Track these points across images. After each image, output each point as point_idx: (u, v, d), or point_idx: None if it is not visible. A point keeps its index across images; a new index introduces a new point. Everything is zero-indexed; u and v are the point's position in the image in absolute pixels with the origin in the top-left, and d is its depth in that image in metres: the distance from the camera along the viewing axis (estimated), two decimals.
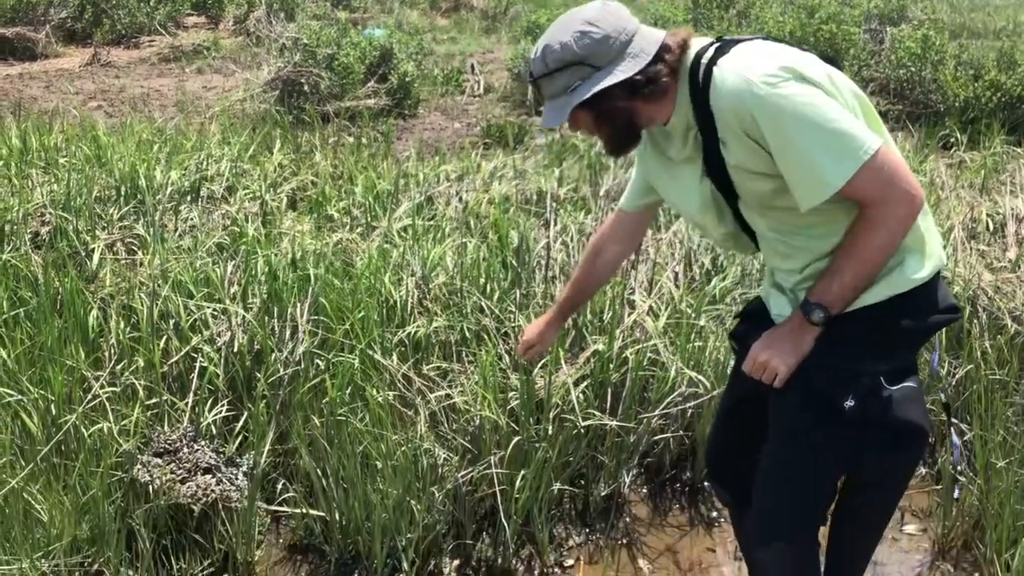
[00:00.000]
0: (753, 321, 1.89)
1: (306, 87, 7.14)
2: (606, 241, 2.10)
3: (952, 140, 5.94)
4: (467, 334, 3.09)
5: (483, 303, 3.20)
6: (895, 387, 1.70)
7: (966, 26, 10.90)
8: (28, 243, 3.64)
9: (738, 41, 1.63)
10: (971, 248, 3.73)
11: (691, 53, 1.66)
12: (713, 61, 1.60)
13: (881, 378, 1.69)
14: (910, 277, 1.68)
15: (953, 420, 2.79)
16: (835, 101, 1.56)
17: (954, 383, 3.01)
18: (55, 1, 11.32)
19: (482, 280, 3.36)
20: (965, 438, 2.90)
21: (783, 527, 1.79)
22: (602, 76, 1.62)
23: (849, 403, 1.66)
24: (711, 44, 1.65)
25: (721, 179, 1.70)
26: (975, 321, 3.20)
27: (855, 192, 1.56)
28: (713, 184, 1.73)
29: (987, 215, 4.11)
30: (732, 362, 2.13)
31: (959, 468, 2.84)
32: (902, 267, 1.68)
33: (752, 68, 1.55)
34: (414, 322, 3.14)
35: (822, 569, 1.92)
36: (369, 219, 4.22)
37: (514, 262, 3.52)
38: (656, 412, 2.78)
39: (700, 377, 2.82)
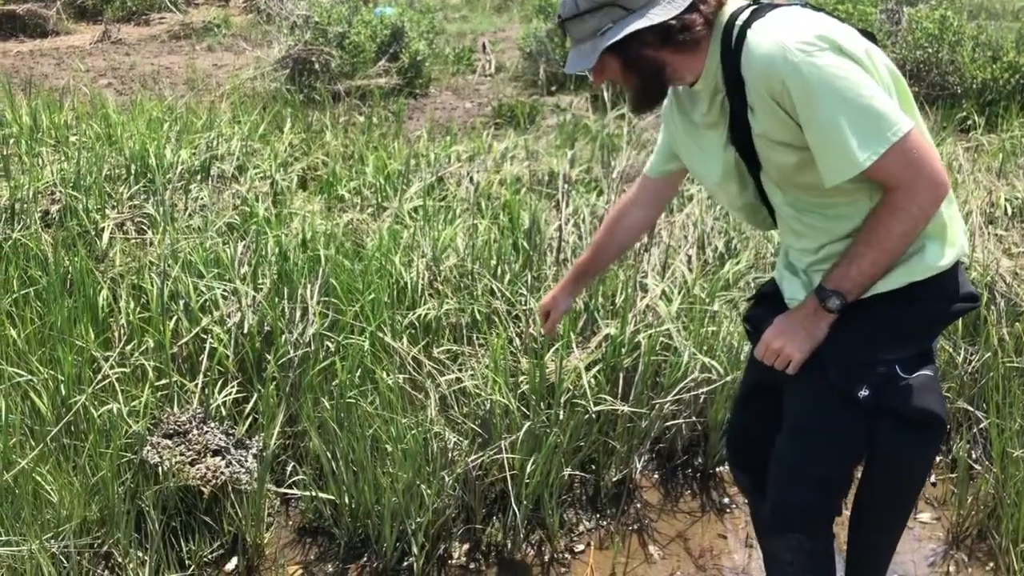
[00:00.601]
0: (767, 304, 1.86)
1: (317, 66, 7.09)
2: (629, 205, 2.06)
3: (970, 123, 5.86)
4: (478, 317, 3.07)
5: (494, 285, 3.17)
6: (911, 376, 1.66)
7: (984, 7, 10.74)
8: (38, 222, 3.62)
9: (775, 6, 1.58)
10: (989, 233, 3.68)
11: (726, 12, 1.61)
12: (748, 24, 1.55)
13: (897, 367, 1.66)
14: (930, 264, 1.64)
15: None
16: (870, 77, 1.51)
17: (970, 371, 2.97)
18: None
19: (493, 262, 3.33)
20: (981, 426, 2.87)
21: (797, 517, 1.77)
22: (634, 19, 1.57)
23: (864, 393, 1.64)
24: (747, 6, 1.60)
25: (746, 147, 1.65)
26: (992, 308, 3.16)
27: (880, 173, 1.52)
28: (737, 152, 1.68)
29: (1005, 200, 4.05)
30: (747, 347, 2.11)
31: (975, 456, 2.82)
32: (922, 254, 1.64)
33: (788, 34, 1.50)
34: (424, 304, 3.12)
35: (843, 566, 1.90)
36: (380, 199, 4.19)
37: (525, 244, 3.49)
38: (668, 398, 2.76)
39: (713, 363, 2.79)
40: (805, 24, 1.51)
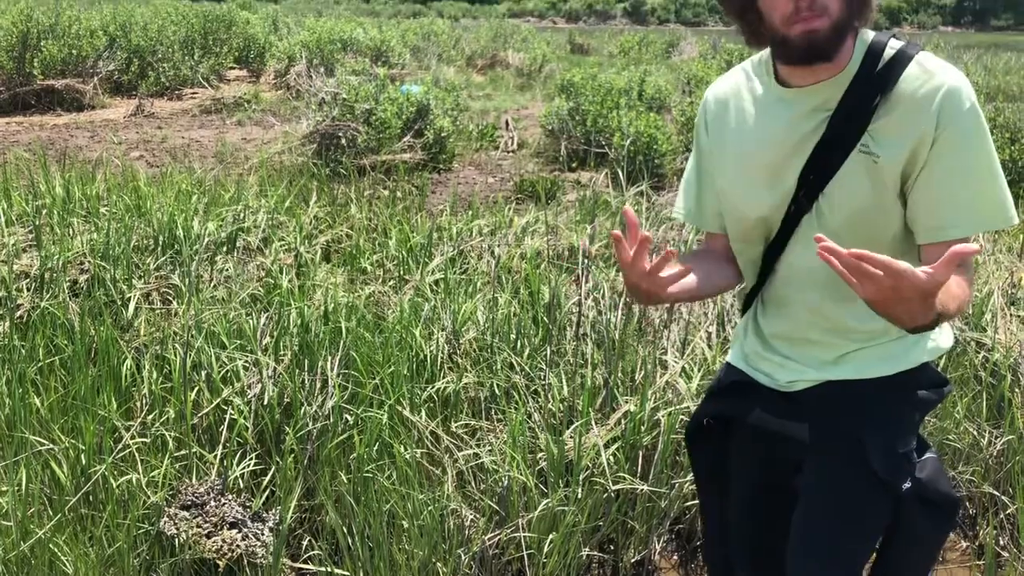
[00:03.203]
0: (738, 394, 1.78)
1: (343, 141, 7.26)
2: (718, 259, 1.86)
3: None
4: (496, 391, 3.07)
5: (513, 360, 3.18)
6: (922, 459, 1.67)
7: (1001, 89, 10.88)
8: (66, 291, 3.69)
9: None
10: (1011, 314, 3.66)
11: (862, 32, 1.57)
12: (909, 51, 1.53)
13: (914, 452, 1.66)
14: (942, 347, 1.67)
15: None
16: None
17: (995, 454, 2.92)
18: (103, 54, 11.68)
19: (512, 336, 3.35)
20: (1008, 512, 2.81)
21: None
22: None
23: (907, 485, 1.62)
24: (890, 35, 1.58)
25: (818, 178, 1.57)
26: (1016, 390, 3.13)
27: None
28: (800, 181, 1.59)
29: None
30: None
31: (1003, 543, 2.75)
32: (939, 335, 1.66)
33: (966, 80, 1.51)
34: (444, 377, 3.12)
35: None
36: (402, 272, 4.24)
37: (545, 318, 3.51)
38: (688, 478, 2.73)
39: None
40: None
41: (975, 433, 2.96)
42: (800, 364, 1.70)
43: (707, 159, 1.78)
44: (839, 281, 1.59)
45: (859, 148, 1.53)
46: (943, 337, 1.66)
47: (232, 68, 14.35)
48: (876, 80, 1.52)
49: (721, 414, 1.84)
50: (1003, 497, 2.83)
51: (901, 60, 1.52)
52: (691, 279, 1.67)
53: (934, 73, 1.50)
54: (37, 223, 4.23)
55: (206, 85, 12.12)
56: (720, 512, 1.92)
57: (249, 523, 2.50)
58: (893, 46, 1.55)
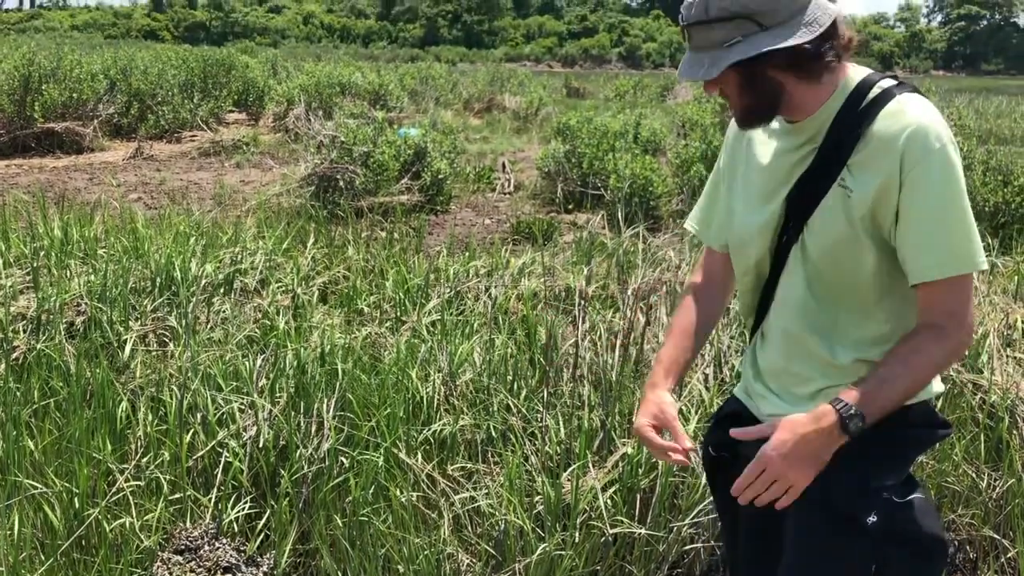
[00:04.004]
0: (729, 427, 1.76)
1: (341, 183, 7.31)
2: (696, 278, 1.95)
3: (983, 245, 5.91)
4: (493, 433, 3.06)
5: (510, 401, 3.17)
6: (906, 499, 1.64)
7: (993, 132, 11.01)
8: (63, 333, 3.69)
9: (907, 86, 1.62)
10: (1007, 356, 3.66)
11: (858, 72, 1.61)
12: (893, 91, 1.56)
13: (894, 493, 1.63)
14: (929, 388, 1.65)
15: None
16: None
17: (995, 497, 2.91)
18: (104, 97, 11.79)
19: (509, 377, 3.34)
20: (1008, 556, 2.79)
21: None
22: (767, 38, 1.51)
23: (872, 519, 1.59)
24: (887, 75, 1.61)
25: (799, 209, 1.62)
26: (1015, 432, 3.12)
27: (943, 294, 1.52)
28: (787, 210, 1.65)
29: (1022, 322, 4.05)
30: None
31: None
32: None
33: (939, 121, 1.52)
34: (440, 420, 3.11)
35: None
36: (399, 313, 4.24)
37: (542, 360, 3.51)
38: (686, 520, 2.71)
39: None
40: (946, 124, 1.55)
41: (974, 476, 2.94)
42: (778, 398, 1.72)
43: (721, 176, 1.87)
44: (818, 311, 1.65)
45: (838, 182, 1.58)
46: (934, 380, 1.65)
47: (231, 111, 14.49)
48: (857, 117, 1.57)
49: (720, 443, 1.85)
50: (1003, 541, 2.81)
51: (882, 98, 1.56)
52: (683, 359, 1.87)
53: (906, 112, 1.53)
54: (35, 265, 4.24)
55: (205, 128, 12.23)
56: (733, 525, 1.95)
57: (243, 568, 2.48)
58: (881, 85, 1.59)
